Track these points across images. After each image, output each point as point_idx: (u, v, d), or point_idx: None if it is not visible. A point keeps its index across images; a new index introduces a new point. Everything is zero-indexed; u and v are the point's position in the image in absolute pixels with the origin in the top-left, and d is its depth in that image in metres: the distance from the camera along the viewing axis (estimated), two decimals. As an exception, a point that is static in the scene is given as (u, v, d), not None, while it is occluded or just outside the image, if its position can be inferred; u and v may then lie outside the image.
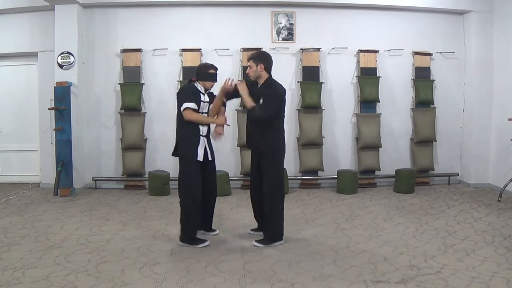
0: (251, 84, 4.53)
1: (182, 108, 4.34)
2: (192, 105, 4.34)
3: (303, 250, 4.27)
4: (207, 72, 4.55)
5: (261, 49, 6.92)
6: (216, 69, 4.61)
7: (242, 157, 6.89)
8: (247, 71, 4.52)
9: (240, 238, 4.63)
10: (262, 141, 4.40)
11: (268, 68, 4.42)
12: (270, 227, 4.43)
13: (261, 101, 4.32)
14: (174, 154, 4.52)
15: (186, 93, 4.43)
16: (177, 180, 6.85)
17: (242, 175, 6.99)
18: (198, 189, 4.37)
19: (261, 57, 4.44)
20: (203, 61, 6.98)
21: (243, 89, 4.42)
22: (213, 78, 4.57)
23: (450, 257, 4.03)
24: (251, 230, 4.80)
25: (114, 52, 7.02)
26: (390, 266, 3.83)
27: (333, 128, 7.23)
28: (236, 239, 4.59)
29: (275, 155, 4.41)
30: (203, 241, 4.41)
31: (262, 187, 4.43)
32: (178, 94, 4.52)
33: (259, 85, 4.46)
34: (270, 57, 4.50)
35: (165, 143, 7.09)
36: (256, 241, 4.42)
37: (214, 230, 4.79)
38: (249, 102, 4.33)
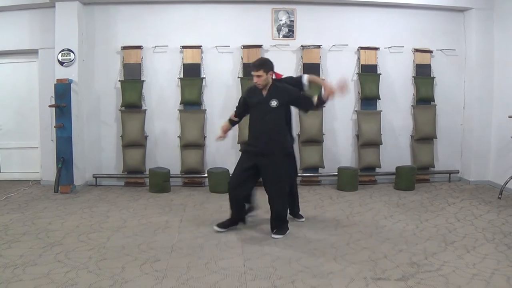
0: (248, 92, 4.64)
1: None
2: None
3: (303, 247, 4.28)
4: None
5: (262, 46, 6.98)
6: None
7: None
8: (255, 81, 4.48)
9: (241, 235, 4.63)
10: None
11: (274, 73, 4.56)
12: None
13: (274, 103, 4.44)
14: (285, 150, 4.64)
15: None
16: (178, 177, 6.98)
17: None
18: None
19: (268, 64, 4.50)
20: (204, 59, 7.00)
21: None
22: None
23: (450, 254, 4.03)
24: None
25: (115, 49, 7.01)
26: (391, 263, 3.83)
27: (333, 125, 7.22)
28: (236, 236, 4.59)
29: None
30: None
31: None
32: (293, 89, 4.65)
33: (265, 91, 4.51)
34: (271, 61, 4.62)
35: (165, 140, 7.11)
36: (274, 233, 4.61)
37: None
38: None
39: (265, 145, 4.48)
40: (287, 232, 4.63)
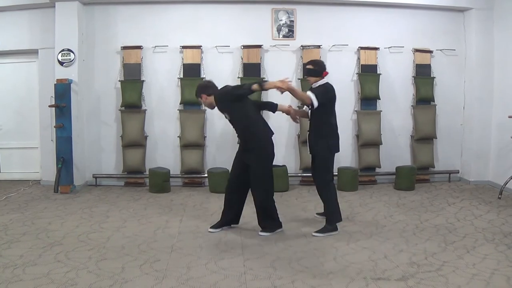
0: None
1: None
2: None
3: (303, 247, 4.28)
4: None
5: (262, 46, 6.97)
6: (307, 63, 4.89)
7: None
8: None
9: (240, 235, 4.63)
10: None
11: (209, 92, 4.65)
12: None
13: (227, 116, 4.63)
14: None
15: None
16: (178, 177, 6.98)
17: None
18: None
19: (203, 89, 4.71)
20: (204, 59, 7.00)
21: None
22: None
23: (450, 254, 4.03)
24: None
25: (115, 49, 7.01)
26: (390, 263, 3.83)
27: (333, 125, 7.22)
28: (236, 236, 4.60)
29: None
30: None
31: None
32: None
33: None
34: (207, 83, 4.82)
35: (165, 140, 7.11)
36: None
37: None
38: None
39: (242, 144, 4.75)
40: (277, 231, 4.68)
